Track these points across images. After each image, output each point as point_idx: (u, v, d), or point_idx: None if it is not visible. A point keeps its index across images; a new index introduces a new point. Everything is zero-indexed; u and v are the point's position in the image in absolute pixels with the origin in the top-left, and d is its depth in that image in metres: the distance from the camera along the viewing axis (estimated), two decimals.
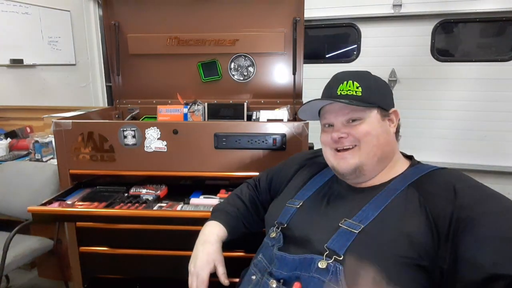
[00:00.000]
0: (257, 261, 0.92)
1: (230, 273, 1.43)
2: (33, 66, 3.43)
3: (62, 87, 3.75)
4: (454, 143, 3.40)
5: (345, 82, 0.89)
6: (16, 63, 3.26)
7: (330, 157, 0.92)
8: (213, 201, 1.47)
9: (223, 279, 0.95)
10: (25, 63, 3.33)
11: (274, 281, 0.81)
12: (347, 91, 0.88)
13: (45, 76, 3.57)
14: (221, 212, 1.10)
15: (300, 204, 0.94)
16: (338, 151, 0.89)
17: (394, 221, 0.76)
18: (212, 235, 1.02)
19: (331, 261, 0.75)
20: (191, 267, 0.98)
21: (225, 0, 1.92)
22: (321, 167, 1.02)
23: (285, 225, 0.92)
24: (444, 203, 0.74)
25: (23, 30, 3.31)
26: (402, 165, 0.90)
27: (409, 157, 0.95)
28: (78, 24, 3.90)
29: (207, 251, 0.98)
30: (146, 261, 1.54)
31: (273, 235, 0.93)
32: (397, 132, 0.93)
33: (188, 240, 1.53)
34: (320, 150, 1.00)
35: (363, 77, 0.91)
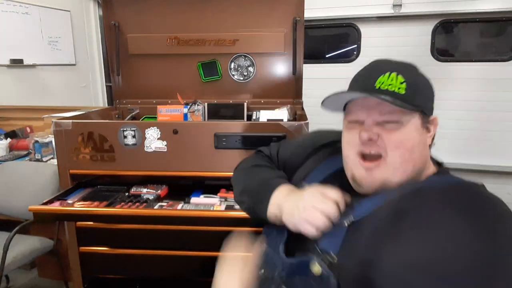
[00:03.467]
0: (264, 253, 0.80)
1: None
2: (33, 66, 3.43)
3: (62, 87, 3.76)
4: (454, 143, 3.40)
5: (388, 74, 0.71)
6: (16, 63, 3.26)
7: (353, 165, 0.74)
8: (214, 200, 1.47)
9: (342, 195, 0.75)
10: (25, 63, 3.33)
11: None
12: (388, 85, 0.70)
13: (45, 76, 3.57)
14: (279, 177, 0.90)
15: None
16: (364, 158, 0.72)
17: (371, 229, 0.65)
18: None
19: (325, 266, 0.66)
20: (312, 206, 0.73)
21: (225, 0, 1.92)
22: (333, 154, 0.86)
23: None
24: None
25: (23, 30, 3.31)
26: (427, 174, 0.75)
27: (439, 164, 0.80)
28: (78, 24, 3.90)
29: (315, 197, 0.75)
30: (146, 261, 1.54)
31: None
32: (431, 140, 0.76)
33: (188, 240, 1.54)
34: (338, 137, 0.84)
35: (409, 71, 0.74)
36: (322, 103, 0.79)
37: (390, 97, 0.68)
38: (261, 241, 0.82)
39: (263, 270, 0.77)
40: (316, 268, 0.66)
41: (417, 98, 0.71)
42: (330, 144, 0.93)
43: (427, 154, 0.75)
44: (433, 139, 0.77)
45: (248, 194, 0.91)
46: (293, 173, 0.94)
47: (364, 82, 0.74)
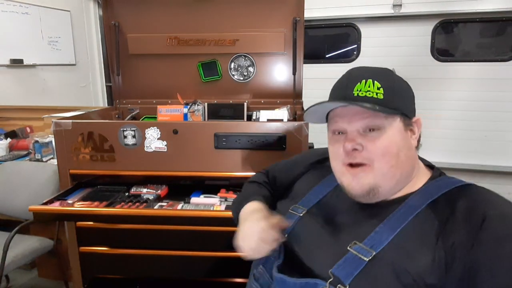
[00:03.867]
0: (257, 273, 0.83)
1: (233, 274, 1.44)
2: (33, 66, 3.43)
3: (62, 87, 3.76)
4: (454, 143, 3.40)
5: (364, 81, 0.72)
6: (16, 63, 3.26)
7: (340, 175, 0.77)
8: (214, 200, 1.47)
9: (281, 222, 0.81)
10: (25, 63, 3.33)
11: None
12: (366, 92, 0.71)
13: (45, 76, 3.57)
14: (257, 195, 0.97)
15: (304, 212, 0.83)
16: (351, 166, 0.74)
17: (407, 253, 0.65)
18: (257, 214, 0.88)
19: None
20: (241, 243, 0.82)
21: (225, 0, 1.92)
22: (329, 171, 0.85)
23: (285, 235, 0.81)
24: (465, 235, 0.62)
25: (23, 30, 3.31)
26: (422, 178, 0.76)
27: (431, 166, 0.81)
28: (78, 24, 3.90)
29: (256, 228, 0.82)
30: (146, 261, 1.54)
31: None
32: (417, 142, 0.78)
33: (188, 240, 1.53)
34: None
35: (384, 76, 0.75)
36: (304, 115, 0.82)
37: (369, 103, 0.69)
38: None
39: None
40: None
41: (396, 101, 0.72)
42: (324, 160, 0.93)
43: (413, 156, 0.76)
44: (419, 140, 0.78)
45: (233, 205, 1.02)
46: (288, 189, 0.97)
47: (342, 91, 0.75)
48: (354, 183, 0.73)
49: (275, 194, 1.02)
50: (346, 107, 0.73)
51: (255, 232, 0.79)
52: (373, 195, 0.72)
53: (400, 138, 0.72)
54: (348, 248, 0.69)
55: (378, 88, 0.72)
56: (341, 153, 0.74)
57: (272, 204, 0.95)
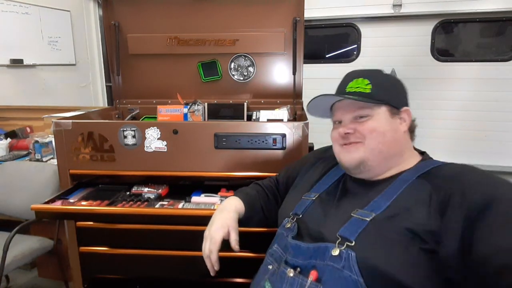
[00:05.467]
0: (272, 250, 0.93)
1: (240, 274, 1.43)
2: (33, 66, 3.43)
3: (62, 87, 3.76)
4: (454, 143, 3.41)
5: (355, 80, 0.91)
6: (16, 63, 3.26)
7: (337, 152, 0.94)
8: (214, 199, 1.47)
9: (234, 244, 0.96)
10: (25, 63, 3.33)
11: (291, 269, 0.81)
12: (356, 88, 0.89)
13: (45, 76, 3.57)
14: (240, 192, 1.16)
15: (316, 196, 0.96)
16: (345, 145, 0.91)
17: (404, 210, 0.77)
18: (230, 205, 1.07)
19: (343, 247, 0.76)
20: (206, 232, 1.00)
21: (225, 0, 1.92)
22: (335, 161, 1.02)
23: (301, 215, 0.94)
24: (456, 191, 0.73)
25: (23, 30, 3.31)
26: (413, 160, 0.89)
27: (422, 153, 0.95)
28: (78, 24, 3.90)
29: (224, 217, 1.01)
30: (146, 261, 1.54)
31: (288, 225, 0.94)
32: (412, 132, 0.93)
33: (188, 240, 1.53)
34: (331, 146, 1.02)
35: (373, 74, 0.92)
36: (307, 110, 1.01)
37: (356, 96, 0.87)
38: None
39: (271, 266, 0.90)
40: (335, 250, 0.76)
41: (381, 94, 0.88)
42: (325, 152, 1.13)
43: (401, 139, 0.89)
44: (413, 130, 0.93)
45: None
46: (300, 179, 1.11)
47: (339, 89, 0.95)
48: (347, 157, 0.90)
49: (281, 191, 1.19)
50: (341, 101, 0.92)
51: (210, 232, 0.99)
52: (363, 168, 0.88)
53: (386, 123, 0.87)
54: (352, 214, 0.81)
55: (366, 84, 0.89)
56: (337, 136, 0.92)
57: (264, 205, 1.14)
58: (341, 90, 0.93)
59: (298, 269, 0.81)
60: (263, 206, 1.15)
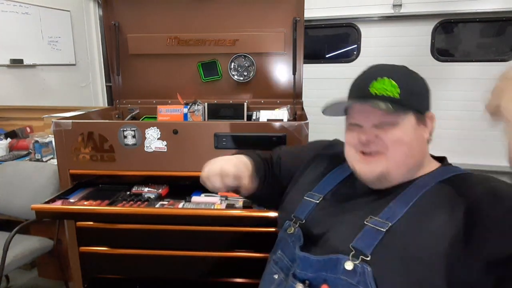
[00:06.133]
0: (276, 258, 0.86)
1: (240, 274, 1.43)
2: (33, 66, 3.43)
3: (62, 87, 3.76)
4: (454, 143, 3.40)
5: (380, 79, 0.77)
6: (16, 63, 3.26)
7: (353, 160, 0.82)
8: (214, 199, 1.47)
9: (227, 181, 0.90)
10: (25, 63, 3.33)
11: (300, 284, 0.75)
12: (383, 90, 0.76)
13: (45, 76, 3.57)
14: (244, 153, 1.05)
15: (320, 199, 0.87)
16: (364, 153, 0.79)
17: (422, 218, 0.70)
18: (241, 157, 0.99)
19: (358, 261, 0.69)
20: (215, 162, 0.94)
21: (225, 0, 1.92)
22: (340, 159, 0.91)
23: (303, 221, 0.85)
24: (482, 199, 0.67)
25: (23, 30, 3.31)
26: (432, 165, 0.81)
27: (441, 159, 0.86)
28: (78, 24, 3.90)
29: (238, 161, 0.95)
30: (146, 261, 1.54)
31: (291, 230, 0.86)
32: (429, 135, 0.82)
33: (189, 240, 1.53)
34: (336, 141, 0.96)
35: (401, 74, 0.79)
36: (323, 112, 0.86)
37: (384, 103, 0.73)
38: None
39: (276, 276, 0.83)
40: (349, 263, 0.69)
41: (411, 99, 0.76)
42: (329, 148, 1.02)
43: (425, 148, 0.81)
44: (431, 134, 0.82)
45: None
46: (294, 177, 1.00)
47: (360, 89, 0.80)
48: (366, 169, 0.78)
49: (273, 174, 1.05)
50: (363, 104, 0.77)
51: (223, 161, 0.92)
52: (384, 181, 0.78)
53: (413, 132, 0.76)
54: (365, 222, 0.73)
55: (395, 87, 0.75)
56: (356, 141, 0.79)
57: (262, 176, 1.01)
58: (363, 89, 0.78)
59: (307, 282, 0.74)
60: (265, 167, 1.04)
